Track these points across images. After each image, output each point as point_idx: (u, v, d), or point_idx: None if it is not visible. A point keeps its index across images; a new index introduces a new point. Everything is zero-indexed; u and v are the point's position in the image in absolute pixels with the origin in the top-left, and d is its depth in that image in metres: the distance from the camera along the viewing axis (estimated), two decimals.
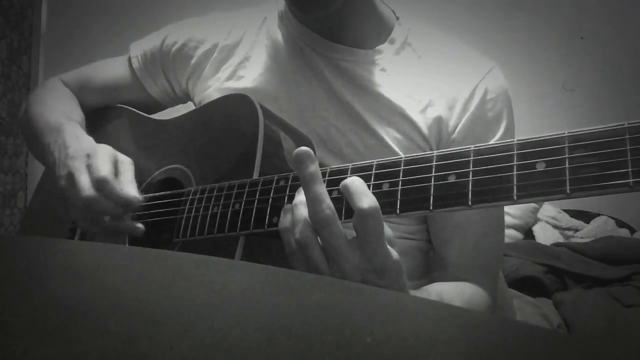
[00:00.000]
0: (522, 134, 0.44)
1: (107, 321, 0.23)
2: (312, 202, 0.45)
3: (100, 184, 0.60)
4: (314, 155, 0.46)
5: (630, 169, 0.37)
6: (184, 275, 0.33)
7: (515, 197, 0.41)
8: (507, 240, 1.93)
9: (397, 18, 0.75)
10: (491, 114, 0.68)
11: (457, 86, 0.69)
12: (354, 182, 0.46)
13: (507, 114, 0.69)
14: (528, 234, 2.08)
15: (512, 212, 2.02)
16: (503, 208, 0.73)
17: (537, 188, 0.40)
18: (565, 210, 2.19)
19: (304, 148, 0.46)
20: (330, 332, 0.24)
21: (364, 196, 0.45)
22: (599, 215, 2.16)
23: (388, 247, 0.47)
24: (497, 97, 0.69)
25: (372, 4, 0.72)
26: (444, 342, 0.24)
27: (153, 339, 0.22)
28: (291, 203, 0.52)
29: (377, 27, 0.73)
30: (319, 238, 0.47)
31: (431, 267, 0.74)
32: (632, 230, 2.11)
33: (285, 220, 0.49)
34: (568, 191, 0.39)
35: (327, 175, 0.51)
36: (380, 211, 0.45)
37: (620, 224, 2.13)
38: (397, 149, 0.67)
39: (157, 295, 0.28)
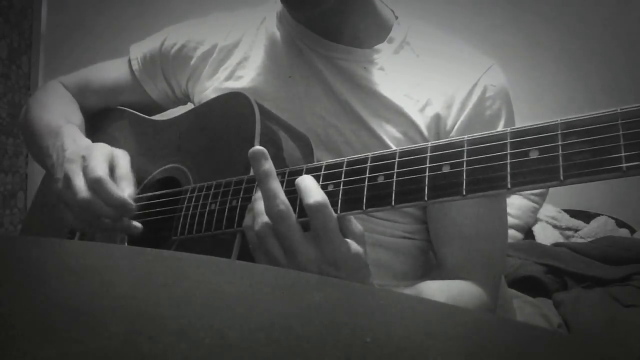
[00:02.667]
0: None
1: (107, 321, 0.23)
2: (267, 197, 0.49)
3: (94, 184, 0.59)
4: (267, 153, 0.50)
5: (623, 154, 0.37)
6: (183, 275, 0.33)
7: (509, 185, 0.41)
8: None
9: (396, 17, 0.75)
10: (490, 111, 0.68)
11: (456, 84, 0.68)
12: (304, 180, 0.49)
13: (506, 112, 0.69)
14: (528, 234, 2.07)
15: (512, 212, 2.02)
16: (505, 208, 0.73)
17: (531, 176, 0.40)
18: (565, 210, 2.19)
19: (257, 147, 0.50)
20: (330, 332, 0.24)
21: (312, 192, 0.48)
22: (599, 215, 2.15)
23: (347, 240, 0.49)
24: (496, 95, 0.69)
25: (371, 3, 0.72)
26: (443, 342, 0.24)
27: (153, 339, 0.22)
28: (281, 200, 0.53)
29: (376, 26, 0.73)
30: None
31: (431, 266, 0.74)
32: (632, 230, 2.11)
33: (248, 219, 0.53)
34: (562, 178, 0.39)
35: (322, 170, 0.52)
36: (329, 206, 0.48)
37: (620, 224, 2.12)
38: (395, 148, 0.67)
39: (157, 295, 0.28)
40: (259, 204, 0.50)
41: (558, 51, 2.36)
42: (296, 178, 0.53)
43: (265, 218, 0.50)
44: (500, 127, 0.68)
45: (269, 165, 0.50)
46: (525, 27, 2.36)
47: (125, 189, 0.61)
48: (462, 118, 0.67)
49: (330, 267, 0.49)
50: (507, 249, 0.76)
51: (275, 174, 0.49)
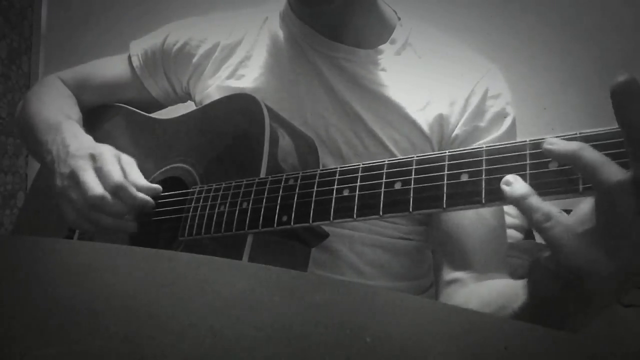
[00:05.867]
0: (522, 134, 0.44)
1: (107, 321, 0.23)
2: None
3: (117, 189, 0.61)
4: None
5: None
6: (184, 275, 0.33)
7: None
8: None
9: (399, 19, 0.75)
10: (493, 109, 0.68)
11: (458, 85, 0.69)
12: (599, 158, 0.38)
13: (511, 112, 0.69)
14: (528, 234, 2.07)
15: (512, 212, 2.01)
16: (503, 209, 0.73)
17: (551, 187, 0.41)
18: (565, 210, 2.18)
19: (628, 76, 0.35)
20: (330, 332, 0.24)
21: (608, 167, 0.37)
22: None
23: None
24: (498, 95, 0.69)
25: (375, 4, 0.72)
26: (443, 342, 0.24)
27: (153, 339, 0.22)
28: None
29: (379, 27, 0.73)
30: None
31: (429, 266, 0.74)
32: None
33: (519, 187, 0.41)
34: (581, 190, 0.39)
35: (337, 175, 0.52)
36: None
37: None
38: (394, 150, 0.67)
39: (157, 295, 0.28)
40: (592, 153, 0.38)
41: (558, 52, 2.36)
42: (309, 182, 0.53)
43: (620, 168, 0.37)
44: (503, 127, 0.68)
45: None
46: (525, 28, 2.36)
47: (140, 181, 0.64)
48: (465, 116, 0.67)
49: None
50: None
51: None
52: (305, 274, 0.56)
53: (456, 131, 0.67)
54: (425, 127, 0.67)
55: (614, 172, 0.37)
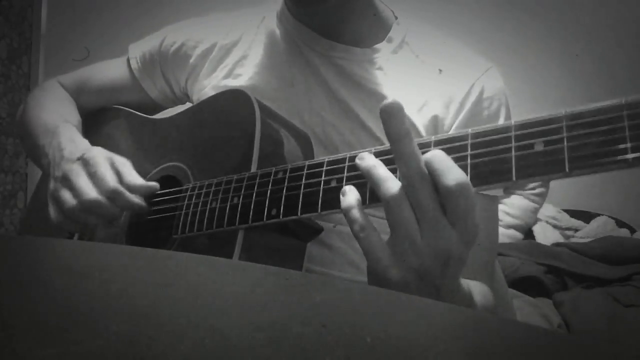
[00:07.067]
0: None
1: (107, 321, 0.23)
2: (410, 159, 0.42)
3: (112, 194, 0.61)
4: (403, 108, 0.42)
5: (628, 145, 0.37)
6: (184, 275, 0.33)
7: (514, 178, 0.41)
8: (507, 240, 1.92)
9: (396, 18, 0.75)
10: (487, 112, 0.68)
11: (454, 85, 0.68)
12: (437, 156, 0.42)
13: (504, 114, 0.69)
14: (528, 234, 2.07)
15: (512, 212, 2.02)
16: (497, 206, 0.73)
17: (536, 168, 0.40)
18: (565, 210, 2.19)
19: (393, 100, 0.42)
20: (330, 332, 0.24)
21: (451, 171, 0.41)
22: (599, 215, 2.15)
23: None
24: (494, 96, 0.69)
25: (371, 3, 0.72)
26: (444, 341, 0.24)
27: (153, 339, 0.22)
28: (291, 193, 0.52)
29: (375, 25, 0.73)
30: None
31: None
32: (632, 230, 2.11)
33: (349, 199, 0.46)
34: (567, 169, 0.39)
35: (324, 166, 0.52)
36: (471, 186, 0.42)
37: (620, 224, 2.12)
38: None
39: (157, 295, 0.28)
40: (380, 170, 0.44)
41: (558, 52, 2.36)
42: (298, 174, 0.53)
43: (397, 182, 0.43)
44: None
45: (408, 122, 0.42)
46: (525, 27, 2.36)
47: (136, 181, 0.64)
48: (460, 118, 0.67)
49: (466, 249, 0.43)
50: (502, 248, 0.75)
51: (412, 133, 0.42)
52: (305, 274, 0.56)
53: (450, 132, 0.67)
54: (420, 128, 0.67)
55: (389, 186, 0.43)
